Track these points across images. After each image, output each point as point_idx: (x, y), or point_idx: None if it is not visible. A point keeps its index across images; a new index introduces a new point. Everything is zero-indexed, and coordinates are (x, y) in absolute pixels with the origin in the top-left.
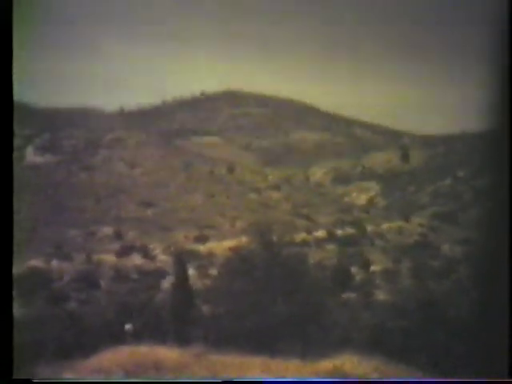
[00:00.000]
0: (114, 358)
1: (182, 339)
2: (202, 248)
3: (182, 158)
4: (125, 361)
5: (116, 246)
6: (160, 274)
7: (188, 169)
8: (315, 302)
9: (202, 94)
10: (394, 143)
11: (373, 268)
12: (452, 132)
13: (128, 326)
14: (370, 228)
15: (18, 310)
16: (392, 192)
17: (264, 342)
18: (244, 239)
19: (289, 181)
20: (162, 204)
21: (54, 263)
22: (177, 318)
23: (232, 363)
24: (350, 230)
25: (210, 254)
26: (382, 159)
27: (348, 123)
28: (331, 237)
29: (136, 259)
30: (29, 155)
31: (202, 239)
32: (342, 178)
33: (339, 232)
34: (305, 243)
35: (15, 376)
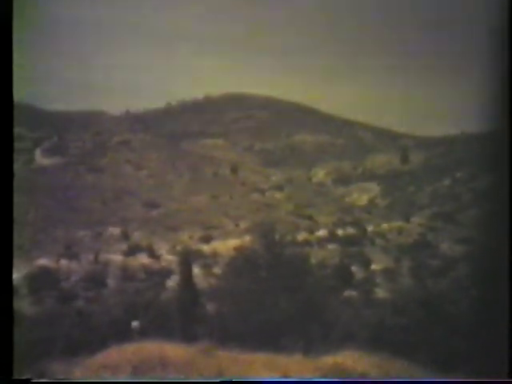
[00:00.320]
0: (121, 354)
1: (188, 336)
2: (206, 247)
3: (186, 160)
4: (131, 357)
5: (123, 246)
6: (165, 273)
7: (192, 170)
8: (317, 300)
9: (206, 97)
10: (394, 145)
11: (373, 267)
12: (451, 133)
13: (135, 324)
14: (370, 228)
15: (28, 308)
16: (392, 193)
17: (267, 338)
18: (247, 239)
19: (291, 182)
20: (168, 205)
21: (63, 263)
22: (182, 316)
23: (236, 359)
24: (350, 230)
25: (215, 254)
26: (382, 160)
27: (349, 125)
28: (333, 236)
29: (142, 259)
30: (38, 157)
31: (207, 239)
32: (343, 179)
33: (340, 232)
34: (307, 243)
35: (27, 371)
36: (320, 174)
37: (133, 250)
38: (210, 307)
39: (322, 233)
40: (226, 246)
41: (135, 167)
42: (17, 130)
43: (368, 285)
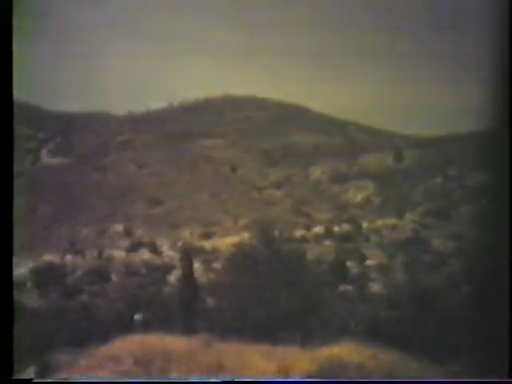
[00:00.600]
0: (124, 346)
1: (189, 329)
2: (206, 244)
3: (187, 159)
4: (134, 349)
5: (126, 242)
6: (167, 268)
7: (193, 169)
8: (314, 294)
9: (206, 98)
10: (388, 144)
11: (368, 262)
12: (442, 133)
13: (137, 317)
14: (365, 224)
15: (33, 302)
16: (386, 190)
17: (266, 331)
18: (246, 235)
19: (289, 180)
20: (169, 203)
21: (68, 258)
22: (183, 310)
23: (236, 351)
24: (346, 227)
25: (215, 250)
26: (376, 159)
27: (344, 125)
28: (329, 233)
29: (144, 255)
30: (44, 157)
31: (207, 236)
32: (339, 178)
33: (336, 228)
34: (304, 239)
35: (34, 362)
36: (316, 172)
37: (135, 246)
38: (210, 301)
39: (318, 229)
40: (225, 242)
41: (138, 166)
42: (24, 131)
43: (363, 280)
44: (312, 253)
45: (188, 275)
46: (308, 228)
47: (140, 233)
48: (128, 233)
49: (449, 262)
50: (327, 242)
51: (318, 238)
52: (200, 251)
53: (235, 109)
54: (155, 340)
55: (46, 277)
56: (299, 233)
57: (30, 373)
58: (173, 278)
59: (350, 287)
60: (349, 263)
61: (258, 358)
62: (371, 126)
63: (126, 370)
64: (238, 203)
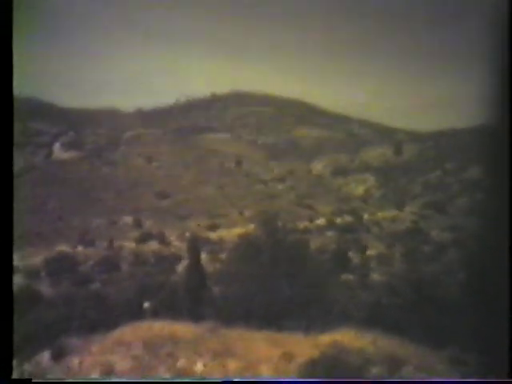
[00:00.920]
0: (133, 332)
1: (196, 316)
2: (213, 235)
3: (194, 154)
4: (143, 335)
5: (135, 233)
6: (175, 258)
7: (200, 163)
8: (316, 283)
9: (213, 94)
10: (388, 139)
11: (369, 252)
12: (441, 128)
13: (146, 304)
14: (366, 216)
15: (47, 289)
16: (386, 183)
17: (270, 318)
18: (251, 227)
19: (292, 173)
20: (177, 195)
21: (80, 249)
22: (190, 298)
23: (241, 337)
24: (348, 218)
25: (221, 241)
26: (377, 153)
27: (346, 121)
28: (331, 224)
29: (153, 245)
30: (56, 151)
31: (213, 227)
32: (340, 171)
33: (338, 220)
34: (307, 230)
35: (49, 345)
36: (319, 166)
37: (145, 237)
38: (217, 290)
39: (321, 221)
40: (231, 233)
41: (147, 160)
42: (37, 126)
43: (364, 269)
44: (315, 243)
45: (195, 265)
46: (311, 219)
47: (149, 224)
48: (137, 224)
49: (446, 252)
50: (329, 233)
51: (320, 229)
52: (207, 242)
53: (240, 105)
54: (163, 326)
55: (59, 266)
56: (302, 224)
57: (44, 356)
58: (180, 267)
59: (351, 276)
60: (350, 253)
61: (263, 344)
62: (372, 122)
63: (136, 354)
64: (243, 196)
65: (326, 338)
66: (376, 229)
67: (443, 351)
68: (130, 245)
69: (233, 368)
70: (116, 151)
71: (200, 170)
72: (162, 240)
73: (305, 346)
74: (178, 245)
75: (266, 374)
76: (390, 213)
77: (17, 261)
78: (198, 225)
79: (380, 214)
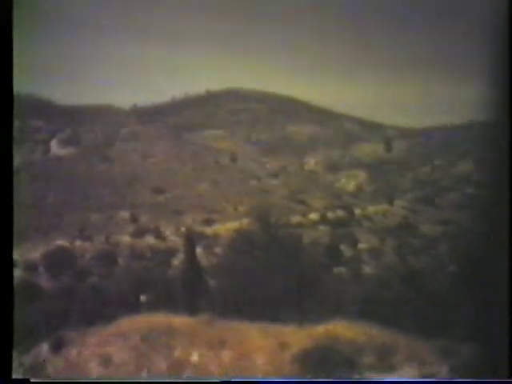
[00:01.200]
0: (131, 324)
1: (192, 309)
2: (208, 229)
3: (189, 150)
4: (141, 327)
5: (132, 228)
6: (171, 252)
7: (195, 159)
8: (310, 276)
9: (207, 91)
10: (379, 135)
11: (360, 246)
12: (430, 125)
13: (143, 297)
14: (357, 211)
15: (46, 283)
16: (377, 179)
17: (264, 310)
18: (246, 222)
19: (285, 169)
20: (173, 191)
21: (78, 243)
22: (186, 291)
23: (236, 329)
24: (340, 213)
25: (216, 235)
26: (368, 149)
27: (338, 118)
28: (323, 219)
29: (149, 240)
30: (53, 148)
31: (209, 222)
32: (332, 167)
33: (330, 215)
34: (300, 225)
35: (49, 337)
36: (311, 162)
37: (141, 232)
38: (212, 283)
39: (313, 216)
40: (226, 228)
41: (143, 156)
42: (35, 123)
43: (356, 262)
44: (307, 237)
45: (191, 259)
46: (304, 214)
47: (145, 219)
48: (134, 219)
49: (436, 245)
50: (322, 228)
51: (313, 224)
52: (202, 236)
53: (235, 101)
54: (160, 318)
55: (58, 260)
56: (295, 219)
57: (43, 348)
58: (176, 261)
59: (343, 269)
60: (342, 247)
61: (257, 335)
62: (363, 119)
63: (133, 345)
64: (237, 191)
65: (319, 329)
66: (367, 223)
67: (433, 341)
68: (126, 239)
69: (227, 358)
70: (112, 147)
71: (195, 166)
72: (158, 235)
73: (298, 337)
74: (173, 239)
75: (260, 363)
76: (381, 207)
77: (16, 255)
78: (194, 220)
79: (371, 209)
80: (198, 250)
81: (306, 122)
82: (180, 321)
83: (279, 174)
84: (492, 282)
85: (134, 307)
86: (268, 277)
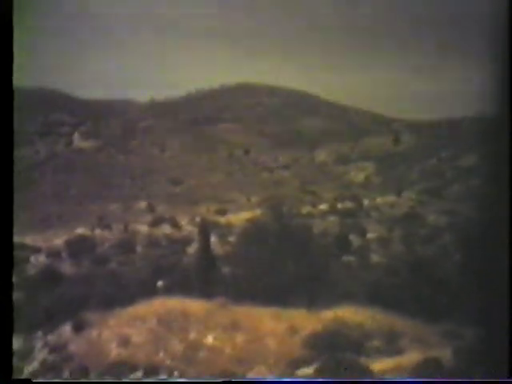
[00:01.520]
0: (148, 308)
1: (206, 294)
2: (222, 219)
3: (204, 143)
4: (157, 310)
5: (149, 217)
6: (186, 241)
7: (210, 152)
8: (319, 264)
9: (222, 86)
10: (387, 128)
11: (369, 235)
12: (437, 118)
13: (160, 283)
14: (366, 202)
15: (68, 269)
16: (385, 171)
17: (276, 296)
18: (258, 212)
19: (297, 162)
20: (188, 182)
21: (97, 231)
22: (201, 277)
23: (248, 313)
24: (349, 204)
25: (229, 225)
26: (376, 142)
27: (348, 111)
28: (333, 209)
29: (166, 229)
30: (76, 140)
31: (222, 212)
32: (342, 159)
33: (340, 205)
34: (310, 215)
35: (71, 319)
36: (322, 154)
37: (158, 221)
38: (225, 270)
39: (323, 206)
40: (239, 217)
41: (160, 149)
42: (58, 117)
43: (364, 251)
44: (318, 227)
45: (205, 247)
46: (314, 205)
47: (162, 209)
48: (151, 209)
49: (442, 235)
50: (331, 218)
51: (323, 214)
52: (216, 226)
53: (248, 95)
54: (176, 303)
55: (79, 248)
56: (306, 209)
57: (66, 328)
58: (191, 249)
59: (352, 258)
60: (351, 236)
61: (269, 319)
62: (373, 112)
63: (150, 328)
64: (250, 182)
65: (328, 314)
66: (375, 213)
67: (438, 325)
68: (144, 228)
69: (241, 341)
70: (131, 140)
71: (210, 159)
72: (174, 224)
73: (308, 321)
74: (189, 228)
75: (271, 346)
76: (389, 198)
77: (40, 242)
78: (208, 210)
79: (379, 200)
80: (213, 239)
81: (317, 116)
82: (195, 305)
83: (291, 166)
84: (495, 270)
85: (151, 292)
86: (279, 264)
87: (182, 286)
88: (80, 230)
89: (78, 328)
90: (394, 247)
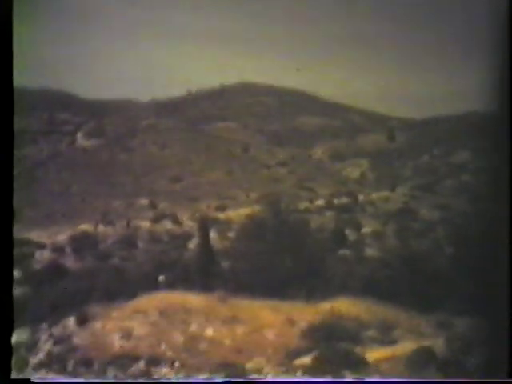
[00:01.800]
0: (149, 301)
1: (206, 288)
2: (221, 215)
3: (204, 141)
4: (159, 304)
5: (150, 214)
6: (187, 236)
7: (209, 149)
8: (316, 258)
9: (221, 85)
10: (382, 126)
11: (364, 230)
12: (429, 116)
13: (161, 277)
14: (361, 197)
15: (72, 264)
16: (380, 167)
17: (274, 289)
18: (257, 208)
19: (294, 159)
20: (188, 179)
21: (100, 228)
22: (201, 271)
23: (248, 306)
24: (345, 199)
25: (229, 220)
26: (371, 139)
27: (343, 109)
28: (329, 205)
29: (167, 225)
30: (79, 139)
31: (222, 208)
32: (338, 156)
33: (336, 201)
34: (307, 210)
35: (75, 312)
36: (318, 151)
37: (159, 218)
38: (225, 264)
39: (320, 202)
40: (238, 213)
41: (161, 147)
42: (62, 116)
43: (360, 245)
44: (315, 222)
45: (205, 242)
46: (311, 201)
47: (163, 206)
48: (152, 206)
49: (435, 229)
50: (328, 213)
51: (319, 210)
52: (215, 221)
53: (247, 95)
54: (177, 296)
55: (82, 243)
56: (303, 205)
57: (70, 321)
58: (192, 244)
59: (348, 251)
60: (347, 231)
61: (267, 311)
62: (368, 110)
63: (152, 321)
64: (249, 179)
65: (325, 306)
66: (371, 208)
67: (431, 316)
68: (146, 224)
69: (240, 333)
70: (132, 139)
71: (209, 156)
72: (175, 220)
73: (306, 314)
74: (189, 224)
75: (270, 337)
76: (384, 194)
77: (45, 238)
78: (208, 206)
79: (374, 195)
80: (212, 234)
81: (313, 114)
82: (195, 299)
83: (288, 163)
84: (486, 261)
85: (152, 286)
86: (277, 259)
87: (182, 280)
88: (83, 227)
89: (82, 321)
90: (389, 241)
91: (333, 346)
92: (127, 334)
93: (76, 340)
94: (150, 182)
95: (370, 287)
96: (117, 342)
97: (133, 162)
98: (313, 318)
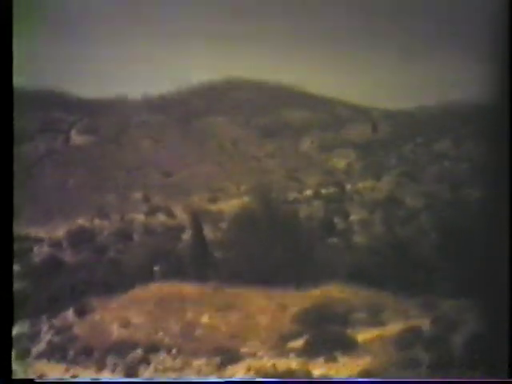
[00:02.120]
0: (145, 292)
1: (200, 277)
2: (213, 207)
3: (195, 135)
4: (154, 294)
5: (145, 207)
6: (180, 228)
7: (200, 144)
8: (306, 246)
9: (210, 81)
10: (366, 117)
11: (351, 218)
12: (412, 106)
13: (156, 268)
14: (348, 187)
15: (69, 257)
16: (365, 157)
17: (266, 277)
18: (247, 199)
19: (282, 150)
20: (180, 173)
21: (96, 221)
22: (195, 262)
23: (240, 294)
24: (332, 189)
25: (221, 212)
26: (356, 131)
27: (329, 102)
28: (317, 195)
29: (161, 217)
30: (73, 137)
31: (214, 200)
32: (325, 147)
33: (324, 191)
34: (296, 201)
35: (73, 304)
36: (306, 143)
37: (153, 211)
38: (218, 254)
39: (308, 192)
40: (229, 205)
41: (153, 142)
42: (57, 115)
43: (347, 233)
44: (303, 212)
45: (198, 233)
46: (299, 191)
47: (156, 199)
48: (146, 199)
49: (419, 216)
50: (316, 203)
51: (308, 200)
52: (208, 213)
53: (235, 90)
54: (172, 286)
55: (79, 237)
56: (292, 195)
57: (69, 313)
58: (185, 236)
59: (336, 239)
60: (335, 219)
61: (260, 298)
62: (353, 103)
63: (149, 310)
64: (239, 172)
65: (315, 292)
66: (357, 197)
67: (417, 299)
68: (140, 217)
69: (234, 319)
70: (126, 135)
71: (201, 150)
72: (169, 213)
73: (297, 299)
74: (182, 216)
75: (263, 323)
76: (370, 183)
77: (42, 233)
78: (200, 198)
79: (361, 185)
80: (205, 226)
81: (300, 107)
82: (190, 288)
83: (276, 154)
84: (468, 246)
85: (148, 277)
86: (268, 247)
87: (177, 270)
88: (80, 221)
89: (81, 312)
90: (376, 229)
91: (323, 328)
92: (125, 323)
93: (76, 330)
94: (143, 177)
95: (358, 273)
96: (115, 331)
97: (126, 158)
98: (304, 303)
